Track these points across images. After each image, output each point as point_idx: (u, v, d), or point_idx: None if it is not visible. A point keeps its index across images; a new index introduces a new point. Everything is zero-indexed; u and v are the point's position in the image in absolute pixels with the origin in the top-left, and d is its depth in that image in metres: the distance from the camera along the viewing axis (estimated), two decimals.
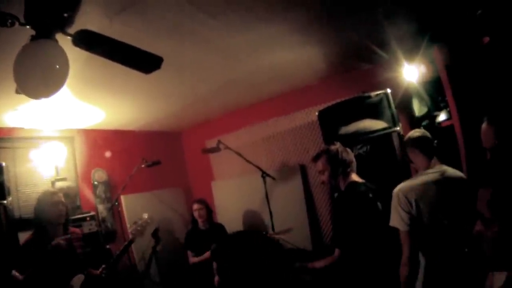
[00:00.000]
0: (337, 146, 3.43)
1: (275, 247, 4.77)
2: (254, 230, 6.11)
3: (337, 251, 3.14)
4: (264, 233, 4.69)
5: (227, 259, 5.03)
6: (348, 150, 3.46)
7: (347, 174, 3.34)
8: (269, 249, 4.77)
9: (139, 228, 4.47)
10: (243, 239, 5.31)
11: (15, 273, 3.47)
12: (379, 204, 3.16)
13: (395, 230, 2.97)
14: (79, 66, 3.70)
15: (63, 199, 4.07)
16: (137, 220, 4.72)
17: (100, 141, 6.56)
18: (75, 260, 3.92)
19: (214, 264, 5.25)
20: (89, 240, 5.10)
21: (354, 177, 3.36)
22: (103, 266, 4.06)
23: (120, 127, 6.80)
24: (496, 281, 1.64)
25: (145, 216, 4.64)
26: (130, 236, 4.41)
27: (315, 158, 3.51)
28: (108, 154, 6.61)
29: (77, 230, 4.34)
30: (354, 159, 3.42)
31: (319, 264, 3.34)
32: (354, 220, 3.07)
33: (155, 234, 5.16)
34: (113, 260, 4.18)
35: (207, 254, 5.64)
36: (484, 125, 2.30)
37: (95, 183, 6.27)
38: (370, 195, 3.19)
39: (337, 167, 3.34)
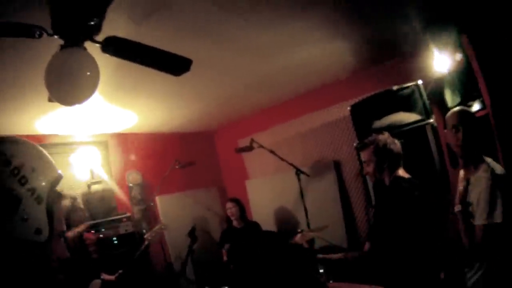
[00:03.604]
0: (385, 136, 3.27)
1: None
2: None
3: (367, 245, 3.06)
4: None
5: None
6: (397, 141, 3.30)
7: (394, 168, 3.20)
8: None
9: (153, 234, 4.57)
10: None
11: None
12: (424, 202, 3.03)
13: (438, 229, 2.90)
14: (109, 71, 3.73)
15: (81, 205, 4.09)
16: (153, 227, 4.97)
17: (133, 144, 6.67)
18: (91, 265, 3.96)
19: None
20: (126, 241, 5.20)
21: (401, 171, 3.21)
22: (120, 271, 4.09)
23: (153, 130, 6.89)
24: None
25: (158, 225, 4.92)
26: (146, 242, 4.47)
27: (362, 147, 3.36)
28: (142, 156, 6.70)
29: (90, 235, 4.37)
30: (401, 152, 3.27)
31: (345, 255, 3.27)
32: (395, 218, 2.96)
33: (191, 233, 5.24)
34: (129, 265, 4.22)
35: None
36: None
37: (130, 185, 6.37)
38: (416, 192, 3.06)
39: (384, 159, 3.19)
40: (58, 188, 1.91)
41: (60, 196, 1.90)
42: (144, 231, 5.35)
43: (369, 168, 3.29)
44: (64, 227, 1.93)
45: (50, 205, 1.80)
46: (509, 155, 3.41)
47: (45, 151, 1.90)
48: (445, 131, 3.04)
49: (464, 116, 2.84)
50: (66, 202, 3.98)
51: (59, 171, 1.90)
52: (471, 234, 2.69)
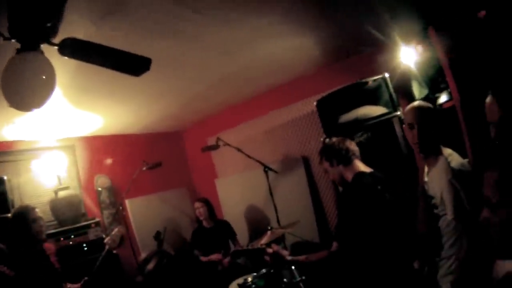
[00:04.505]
0: (332, 140, 3.33)
1: None
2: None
3: (334, 245, 3.07)
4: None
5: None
6: (347, 139, 3.31)
7: (348, 162, 3.19)
8: None
9: (113, 238, 4.45)
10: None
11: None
12: (387, 195, 3.05)
13: (405, 221, 2.91)
14: (71, 74, 3.68)
15: (40, 215, 3.95)
16: (109, 232, 4.88)
17: (101, 147, 6.57)
18: (55, 276, 3.84)
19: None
20: (96, 247, 5.10)
21: (360, 166, 3.20)
22: (85, 278, 4.00)
23: (119, 132, 6.80)
24: (502, 269, 1.59)
25: (117, 228, 4.69)
26: (106, 247, 4.36)
27: (320, 163, 3.43)
28: (110, 159, 6.62)
29: (50, 245, 4.25)
30: (354, 147, 3.26)
31: (312, 257, 3.27)
32: (359, 214, 2.97)
33: (157, 237, 5.19)
34: (93, 272, 4.11)
35: (214, 256, 5.67)
36: (488, 99, 2.23)
37: (99, 189, 6.28)
38: (379, 187, 3.08)
39: (332, 157, 3.23)
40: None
41: None
42: (103, 236, 5.24)
43: (330, 175, 3.35)
44: None
45: None
46: (476, 145, 3.46)
47: None
48: (403, 126, 3.08)
49: (419, 112, 2.83)
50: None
51: None
52: (433, 224, 2.76)
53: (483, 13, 3.46)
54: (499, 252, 1.48)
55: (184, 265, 5.74)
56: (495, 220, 1.44)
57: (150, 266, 5.41)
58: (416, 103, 2.92)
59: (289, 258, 3.39)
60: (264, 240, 4.16)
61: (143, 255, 5.77)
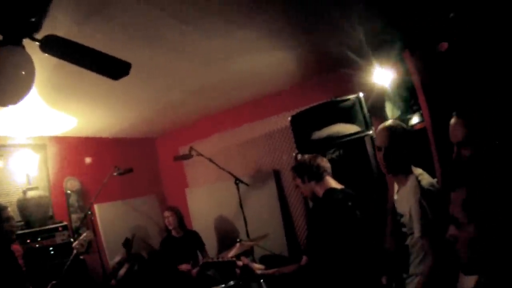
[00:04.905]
0: (304, 157, 3.43)
1: None
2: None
3: (304, 259, 3.10)
4: None
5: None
6: (319, 156, 3.41)
7: (320, 179, 3.28)
8: None
9: (81, 243, 4.37)
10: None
11: None
12: (357, 212, 3.11)
13: (375, 238, 2.95)
14: (49, 72, 3.64)
15: (12, 214, 3.88)
16: (78, 236, 4.85)
17: (72, 148, 6.45)
18: (21, 279, 3.77)
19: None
20: (63, 251, 5.01)
21: (332, 182, 3.29)
22: (53, 282, 3.93)
23: (93, 134, 6.71)
24: (465, 284, 1.63)
25: (85, 233, 4.62)
26: (74, 251, 4.29)
27: (293, 179, 3.51)
28: (81, 162, 6.53)
29: (17, 247, 4.16)
30: (326, 164, 3.36)
31: (281, 270, 3.30)
32: (329, 229, 3.01)
33: (126, 244, 5.11)
34: (61, 276, 4.04)
35: (183, 266, 5.61)
36: (453, 120, 2.27)
37: (68, 192, 6.16)
38: (349, 203, 3.13)
39: (303, 174, 3.32)
40: None
41: None
42: (71, 240, 5.14)
43: (302, 190, 3.43)
44: None
45: None
46: (445, 165, 3.53)
47: None
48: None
49: (388, 133, 2.84)
50: None
51: None
52: (402, 242, 2.79)
53: (445, 45, 3.55)
54: (464, 268, 1.53)
55: (157, 271, 5.67)
56: (462, 237, 1.48)
57: (122, 271, 5.35)
58: (387, 123, 2.93)
59: (259, 272, 3.42)
60: (232, 252, 4.16)
61: (116, 258, 5.72)
